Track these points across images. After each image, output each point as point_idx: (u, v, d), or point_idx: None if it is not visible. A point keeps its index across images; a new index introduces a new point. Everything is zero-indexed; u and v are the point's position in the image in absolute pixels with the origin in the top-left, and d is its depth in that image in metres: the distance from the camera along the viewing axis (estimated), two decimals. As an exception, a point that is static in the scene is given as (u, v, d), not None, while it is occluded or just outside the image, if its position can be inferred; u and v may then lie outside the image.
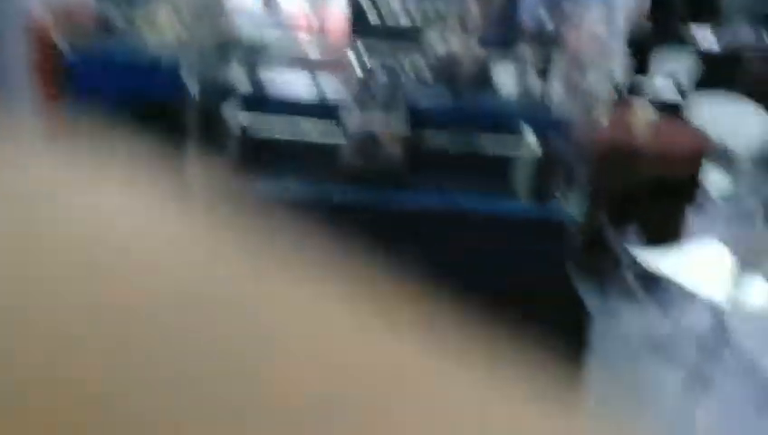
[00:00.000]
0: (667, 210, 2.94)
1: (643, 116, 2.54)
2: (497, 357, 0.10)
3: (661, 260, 2.22)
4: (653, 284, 2.49)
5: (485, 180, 1.36)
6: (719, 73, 3.78)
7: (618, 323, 2.37)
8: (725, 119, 3.16)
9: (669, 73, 3.71)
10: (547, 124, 1.43)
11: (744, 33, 4.28)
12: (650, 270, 2.21)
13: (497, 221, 1.33)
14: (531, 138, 1.39)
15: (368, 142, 1.22)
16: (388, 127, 1.29)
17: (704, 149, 2.84)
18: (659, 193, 2.67)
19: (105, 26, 2.36)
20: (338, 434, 0.08)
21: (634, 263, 2.28)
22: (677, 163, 2.74)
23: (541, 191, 1.35)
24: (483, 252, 1.25)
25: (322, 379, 0.09)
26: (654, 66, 3.84)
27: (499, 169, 1.38)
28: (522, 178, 1.36)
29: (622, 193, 2.50)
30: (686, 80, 3.77)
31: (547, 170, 1.35)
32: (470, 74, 1.50)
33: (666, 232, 3.05)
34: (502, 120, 1.45)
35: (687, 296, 2.19)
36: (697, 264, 2.19)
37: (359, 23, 1.63)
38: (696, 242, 2.40)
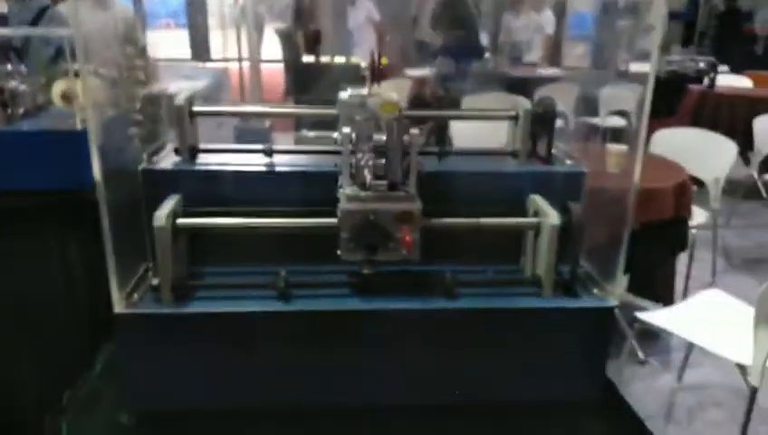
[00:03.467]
0: (660, 259, 2.90)
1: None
2: None
3: (665, 318, 2.16)
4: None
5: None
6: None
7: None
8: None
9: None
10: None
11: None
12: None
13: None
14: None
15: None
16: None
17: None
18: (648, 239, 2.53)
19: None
20: None
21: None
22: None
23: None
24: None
25: None
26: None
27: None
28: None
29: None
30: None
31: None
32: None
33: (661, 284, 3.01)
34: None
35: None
36: (707, 319, 2.14)
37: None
38: (699, 295, 2.34)
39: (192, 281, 1.18)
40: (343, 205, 1.10)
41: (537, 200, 1.22)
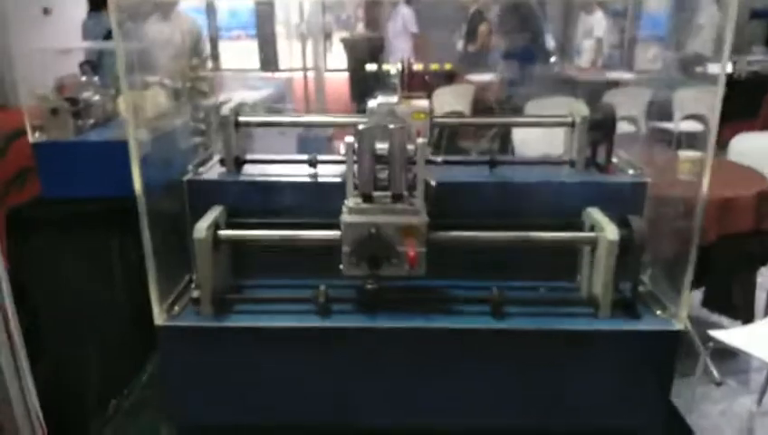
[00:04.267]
0: (738, 273, 2.73)
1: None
2: None
3: (743, 337, 2.06)
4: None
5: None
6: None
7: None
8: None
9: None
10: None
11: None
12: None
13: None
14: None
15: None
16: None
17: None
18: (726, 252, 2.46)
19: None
20: None
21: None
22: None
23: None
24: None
25: None
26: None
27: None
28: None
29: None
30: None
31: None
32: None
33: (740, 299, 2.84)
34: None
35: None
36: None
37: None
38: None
39: (233, 294, 1.16)
40: (344, 217, 1.06)
41: (594, 213, 1.14)
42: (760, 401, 2.37)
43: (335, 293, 1.12)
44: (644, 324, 1.09)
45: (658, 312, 1.12)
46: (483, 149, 5.02)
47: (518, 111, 4.39)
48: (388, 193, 1.07)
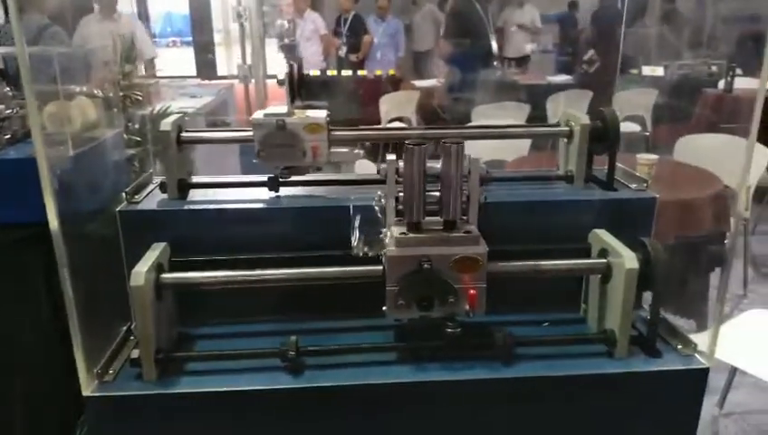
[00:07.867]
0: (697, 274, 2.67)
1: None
2: None
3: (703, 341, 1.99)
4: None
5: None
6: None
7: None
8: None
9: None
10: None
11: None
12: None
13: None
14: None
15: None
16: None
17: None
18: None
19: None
20: None
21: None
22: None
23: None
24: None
25: None
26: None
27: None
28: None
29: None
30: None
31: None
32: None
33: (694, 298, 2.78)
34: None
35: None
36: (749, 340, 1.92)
37: None
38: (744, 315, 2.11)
39: (181, 350, 0.96)
40: (391, 250, 0.88)
41: (603, 236, 0.99)
42: (722, 404, 2.32)
43: (307, 341, 0.93)
44: (668, 364, 0.95)
45: (679, 346, 0.98)
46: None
47: (467, 114, 4.31)
48: (439, 219, 0.90)
